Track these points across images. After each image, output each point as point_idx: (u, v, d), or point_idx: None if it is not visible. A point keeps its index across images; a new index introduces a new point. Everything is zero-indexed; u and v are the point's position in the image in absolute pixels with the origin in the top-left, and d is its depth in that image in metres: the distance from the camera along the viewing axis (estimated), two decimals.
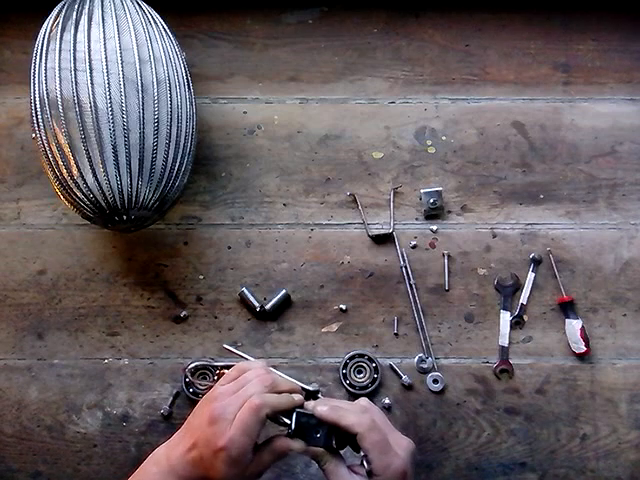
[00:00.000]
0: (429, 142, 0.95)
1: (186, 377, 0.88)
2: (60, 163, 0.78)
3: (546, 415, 0.89)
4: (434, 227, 0.93)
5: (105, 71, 0.77)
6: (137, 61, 0.79)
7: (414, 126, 0.95)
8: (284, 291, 0.91)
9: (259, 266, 0.92)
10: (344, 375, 0.89)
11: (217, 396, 0.68)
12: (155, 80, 0.80)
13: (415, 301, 0.91)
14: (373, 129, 0.95)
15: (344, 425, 0.69)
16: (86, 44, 0.78)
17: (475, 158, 0.94)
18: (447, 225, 0.93)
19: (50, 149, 0.78)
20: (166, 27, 0.86)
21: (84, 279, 0.92)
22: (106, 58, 0.77)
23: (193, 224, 0.93)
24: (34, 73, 0.80)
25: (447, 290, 0.92)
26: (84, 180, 0.78)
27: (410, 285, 0.91)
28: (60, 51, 0.78)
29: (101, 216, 0.80)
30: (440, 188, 0.92)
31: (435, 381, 0.90)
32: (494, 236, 0.93)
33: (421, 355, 0.90)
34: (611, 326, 0.91)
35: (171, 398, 0.89)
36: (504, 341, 0.91)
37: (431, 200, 0.92)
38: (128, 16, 0.81)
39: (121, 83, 0.77)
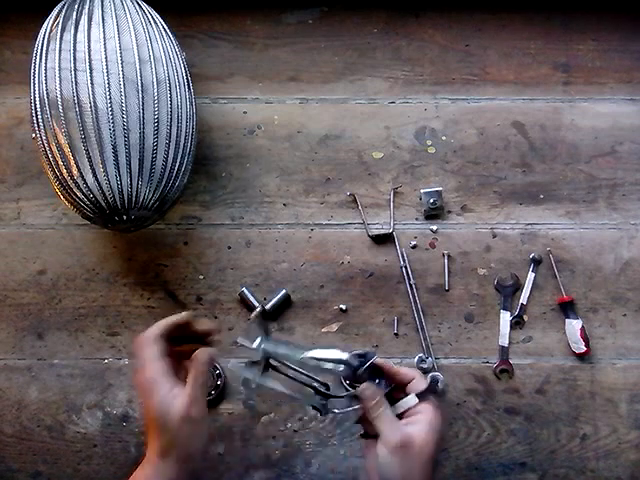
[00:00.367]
0: (429, 142, 0.95)
1: None
2: (60, 163, 0.78)
3: (546, 415, 0.89)
4: (434, 227, 0.93)
5: (105, 71, 0.77)
6: (137, 61, 0.79)
7: (414, 126, 0.95)
8: (284, 291, 0.91)
9: (259, 266, 0.92)
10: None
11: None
12: (155, 80, 0.80)
13: (415, 301, 0.91)
14: (373, 129, 0.95)
15: (401, 372, 0.70)
16: (86, 44, 0.78)
17: (475, 158, 0.94)
18: (447, 225, 0.93)
19: (50, 149, 0.78)
20: (166, 27, 0.86)
21: (84, 279, 0.92)
22: (106, 58, 0.77)
23: (193, 224, 0.93)
24: (34, 73, 0.80)
25: (447, 290, 0.92)
26: (84, 180, 0.77)
27: (410, 285, 0.91)
28: (60, 51, 0.78)
29: (101, 216, 0.80)
30: (440, 188, 0.92)
31: (435, 381, 0.89)
32: (494, 236, 0.93)
33: (421, 355, 0.90)
34: (611, 326, 0.91)
35: None
36: (504, 341, 0.91)
37: (431, 200, 0.92)
38: (128, 16, 0.81)
39: (121, 83, 0.77)
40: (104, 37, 0.78)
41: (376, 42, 0.96)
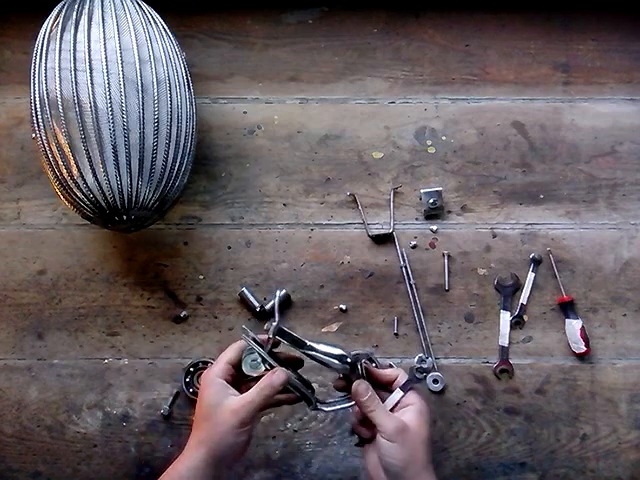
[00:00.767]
0: (429, 142, 0.95)
1: (187, 377, 0.88)
2: (60, 163, 0.78)
3: (546, 415, 0.89)
4: (434, 227, 0.93)
5: (105, 71, 0.77)
6: (137, 61, 0.79)
7: (414, 126, 0.95)
8: (284, 291, 0.91)
9: (259, 266, 0.92)
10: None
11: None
12: (155, 80, 0.80)
13: (415, 301, 0.91)
14: (373, 129, 0.95)
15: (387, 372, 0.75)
16: (86, 44, 0.78)
17: (475, 158, 0.94)
18: (447, 225, 0.93)
19: (50, 149, 0.78)
20: (166, 27, 0.86)
21: (84, 279, 0.92)
22: (106, 58, 0.77)
23: (193, 224, 0.93)
24: (34, 73, 0.80)
25: (447, 290, 0.92)
26: (84, 180, 0.77)
27: (410, 285, 0.91)
28: (60, 51, 0.78)
29: (101, 216, 0.80)
30: (440, 188, 0.92)
31: (435, 381, 0.90)
32: (494, 236, 0.93)
33: (421, 355, 0.90)
34: (611, 326, 0.91)
35: (171, 398, 0.89)
36: (504, 341, 0.91)
37: (431, 200, 0.92)
38: (128, 16, 0.81)
39: (121, 83, 0.77)
40: (104, 37, 0.78)
41: (376, 42, 0.96)
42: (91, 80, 0.77)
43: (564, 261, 0.92)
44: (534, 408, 0.89)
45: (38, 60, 0.79)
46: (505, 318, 0.91)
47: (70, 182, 0.78)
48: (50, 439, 0.89)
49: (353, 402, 0.73)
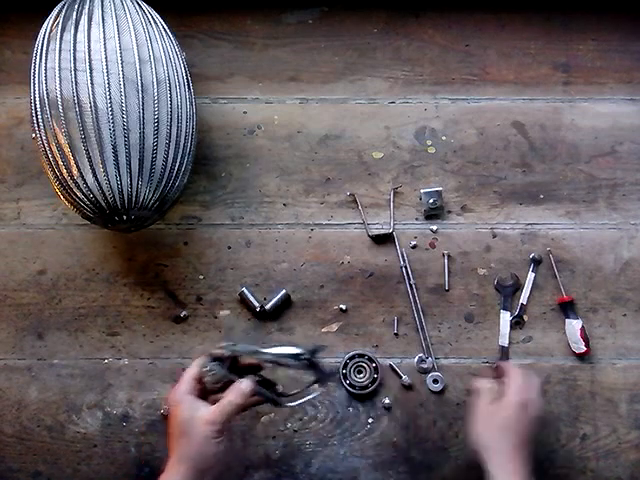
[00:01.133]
0: (429, 142, 0.95)
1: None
2: (60, 163, 0.78)
3: (546, 415, 0.89)
4: (434, 227, 0.93)
5: (105, 71, 0.77)
6: (137, 61, 0.79)
7: (414, 126, 0.95)
8: (284, 291, 0.91)
9: (259, 266, 0.92)
10: (344, 375, 0.89)
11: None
12: (155, 80, 0.80)
13: (415, 301, 0.91)
14: (373, 129, 0.95)
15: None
16: (86, 44, 0.78)
17: (475, 158, 0.94)
18: (447, 225, 0.93)
19: (50, 149, 0.78)
20: (166, 27, 0.85)
21: (84, 279, 0.92)
22: (106, 58, 0.77)
23: (193, 224, 0.93)
24: (34, 73, 0.80)
25: (447, 290, 0.92)
26: (84, 180, 0.77)
27: (410, 285, 0.91)
28: (60, 51, 0.78)
29: (101, 216, 0.80)
30: (440, 188, 0.92)
31: (435, 381, 0.90)
32: (494, 236, 0.93)
33: (421, 355, 0.90)
34: (611, 326, 0.91)
35: None
36: (504, 341, 0.91)
37: (431, 200, 0.92)
38: (128, 16, 0.81)
39: (121, 83, 0.77)
40: (104, 37, 0.78)
41: (376, 42, 0.96)
42: (91, 80, 0.77)
43: (564, 261, 0.92)
44: None
45: (38, 60, 0.79)
46: (505, 318, 0.91)
47: (70, 182, 0.78)
48: (50, 439, 0.89)
49: (317, 392, 0.76)
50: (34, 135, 0.80)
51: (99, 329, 0.91)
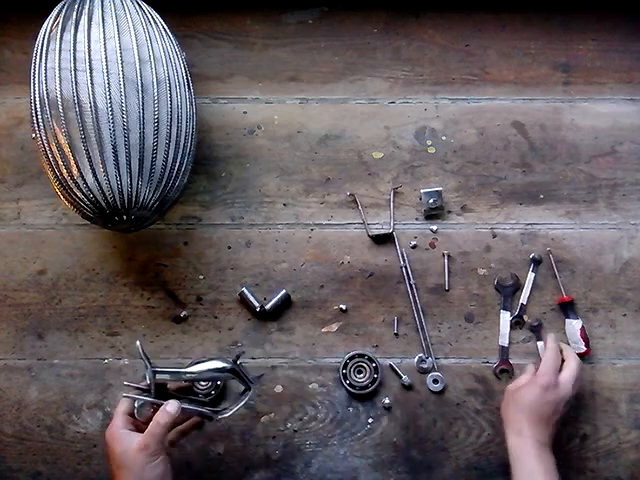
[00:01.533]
0: (429, 142, 0.95)
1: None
2: (60, 163, 0.78)
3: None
4: (434, 227, 0.93)
5: (105, 71, 0.77)
6: (137, 61, 0.79)
7: (414, 126, 0.95)
8: (284, 291, 0.91)
9: (259, 266, 0.92)
10: (344, 375, 0.89)
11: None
12: (155, 80, 0.80)
13: (415, 301, 0.91)
14: (373, 129, 0.95)
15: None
16: (86, 44, 0.78)
17: (475, 158, 0.94)
18: (447, 225, 0.93)
19: (50, 149, 0.78)
20: (166, 27, 0.85)
21: (84, 279, 0.92)
22: (106, 58, 0.77)
23: (193, 224, 0.93)
24: (34, 73, 0.80)
25: (447, 290, 0.92)
26: (84, 180, 0.77)
27: (410, 285, 0.91)
28: (60, 51, 0.78)
29: (101, 216, 0.80)
30: (440, 188, 0.92)
31: (435, 381, 0.90)
32: (494, 236, 0.93)
33: (421, 355, 0.90)
34: (611, 326, 0.91)
35: None
36: (504, 341, 0.91)
37: (431, 200, 0.92)
38: (128, 16, 0.81)
39: (121, 83, 0.77)
40: (104, 37, 0.78)
41: (376, 42, 0.96)
42: (91, 80, 0.77)
43: (564, 261, 0.92)
44: None
45: (38, 60, 0.79)
46: (505, 318, 0.91)
47: (70, 182, 0.78)
48: (50, 439, 0.89)
49: (245, 400, 0.79)
50: (34, 135, 0.80)
51: (99, 329, 0.91)
